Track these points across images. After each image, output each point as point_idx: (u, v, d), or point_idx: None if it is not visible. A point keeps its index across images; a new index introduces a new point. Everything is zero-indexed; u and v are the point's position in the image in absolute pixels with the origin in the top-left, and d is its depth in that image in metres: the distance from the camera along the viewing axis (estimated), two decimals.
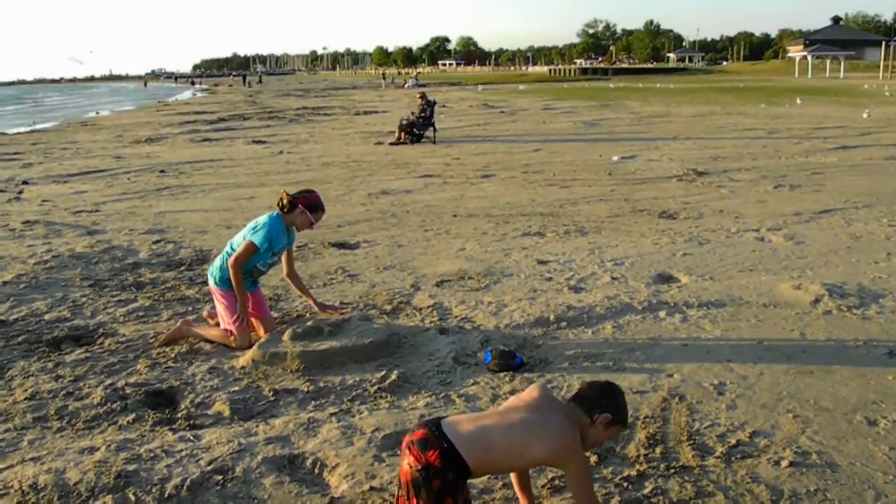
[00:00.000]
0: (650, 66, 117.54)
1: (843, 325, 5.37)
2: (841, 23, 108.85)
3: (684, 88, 48.95)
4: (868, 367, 4.66)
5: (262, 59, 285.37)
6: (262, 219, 5.29)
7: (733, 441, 3.83)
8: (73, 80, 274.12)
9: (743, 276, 6.59)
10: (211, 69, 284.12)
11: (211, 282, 5.40)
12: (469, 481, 3.06)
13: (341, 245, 8.05)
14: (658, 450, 3.76)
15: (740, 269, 6.79)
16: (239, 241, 5.28)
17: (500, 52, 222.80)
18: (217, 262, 5.39)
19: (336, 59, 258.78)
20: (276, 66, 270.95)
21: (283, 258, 5.54)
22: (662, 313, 5.65)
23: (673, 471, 3.59)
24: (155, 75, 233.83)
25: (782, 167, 13.13)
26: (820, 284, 6.19)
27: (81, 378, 4.76)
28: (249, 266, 5.25)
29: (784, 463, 3.63)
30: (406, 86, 63.42)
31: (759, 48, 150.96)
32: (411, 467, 2.92)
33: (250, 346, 5.10)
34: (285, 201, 5.28)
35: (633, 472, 3.58)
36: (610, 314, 5.66)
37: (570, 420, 3.02)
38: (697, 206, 9.77)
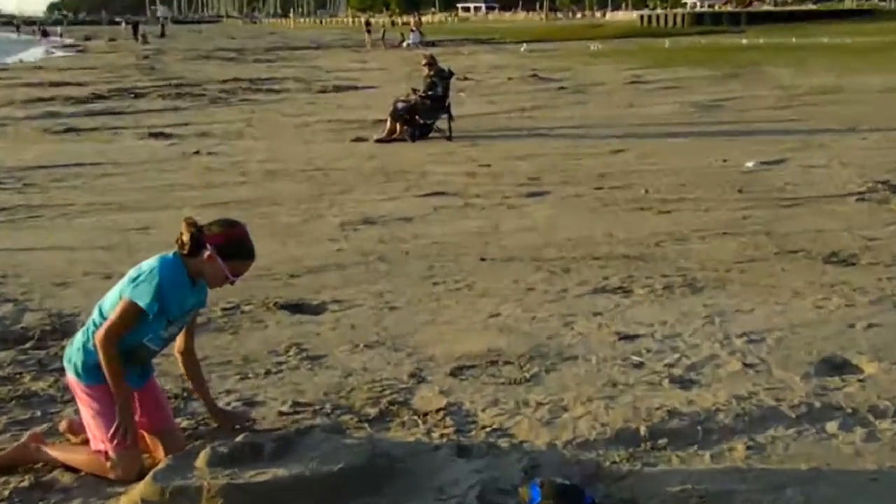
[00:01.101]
0: (810, 7, 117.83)
1: None
2: None
3: (869, 45, 48.94)
4: None
5: None
6: (150, 263, 5.17)
7: None
8: None
9: None
10: (80, 12, 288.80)
11: (70, 372, 5.28)
12: None
13: (296, 307, 8.06)
14: None
15: None
16: (113, 301, 5.16)
17: None
18: (77, 340, 5.28)
19: (289, 0, 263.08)
20: (189, 8, 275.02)
21: None
22: (832, 425, 5.52)
23: None
24: None
25: None
26: None
27: None
28: (132, 342, 5.13)
29: None
30: (404, 44, 64.89)
31: None
32: None
33: (140, 478, 4.96)
34: (186, 237, 5.16)
35: None
36: (742, 426, 5.55)
37: None
38: (890, 245, 9.74)
